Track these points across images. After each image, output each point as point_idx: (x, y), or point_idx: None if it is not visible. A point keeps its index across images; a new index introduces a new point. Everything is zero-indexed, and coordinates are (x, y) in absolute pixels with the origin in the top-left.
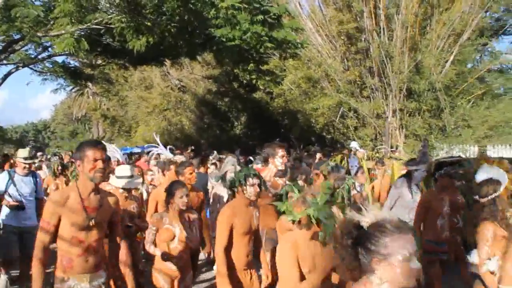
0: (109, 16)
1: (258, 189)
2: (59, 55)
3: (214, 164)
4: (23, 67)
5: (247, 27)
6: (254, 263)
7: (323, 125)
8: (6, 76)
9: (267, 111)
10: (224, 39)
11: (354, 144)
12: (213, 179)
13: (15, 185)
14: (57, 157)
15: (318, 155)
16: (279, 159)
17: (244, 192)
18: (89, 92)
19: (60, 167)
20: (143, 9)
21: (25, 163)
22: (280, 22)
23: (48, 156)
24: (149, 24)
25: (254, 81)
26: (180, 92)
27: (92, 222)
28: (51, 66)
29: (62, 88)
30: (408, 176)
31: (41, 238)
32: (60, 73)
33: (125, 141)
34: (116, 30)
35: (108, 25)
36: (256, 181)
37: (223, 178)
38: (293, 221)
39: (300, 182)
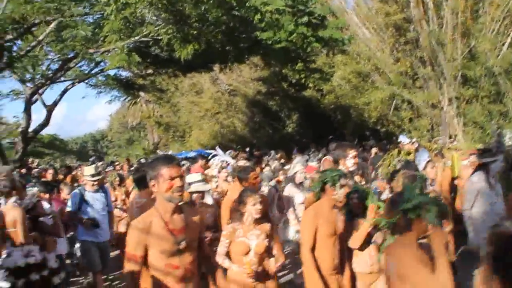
0: (155, 29)
1: (347, 190)
2: (111, 68)
3: (268, 165)
4: (78, 82)
5: (292, 29)
6: (340, 268)
7: (376, 119)
8: (63, 92)
9: (318, 108)
10: (270, 42)
11: (402, 138)
12: (265, 181)
13: (87, 203)
14: (113, 167)
15: (374, 150)
16: (350, 160)
17: (334, 193)
18: (142, 101)
19: (118, 179)
20: (188, 18)
21: (92, 181)
22: (324, 22)
23: (101, 163)
24: (194, 32)
25: (303, 80)
26: (231, 96)
27: (182, 245)
28: (104, 79)
29: (116, 99)
30: (483, 169)
31: (130, 268)
32: (113, 85)
33: (180, 146)
34: (163, 41)
35: (156, 37)
36: (346, 182)
37: (292, 179)
38: (392, 230)
39: (357, 178)
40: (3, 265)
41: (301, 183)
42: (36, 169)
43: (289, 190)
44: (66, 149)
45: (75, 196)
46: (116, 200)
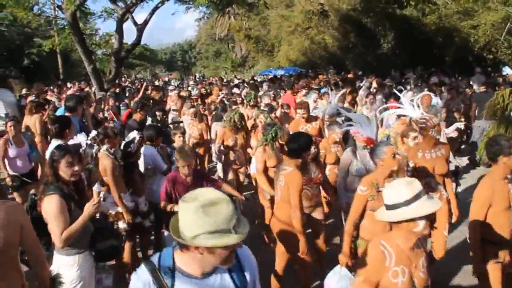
0: None
1: None
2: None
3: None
4: (167, 0)
5: None
6: None
7: (484, 45)
8: (153, 11)
9: (418, 29)
10: None
11: (507, 70)
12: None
13: None
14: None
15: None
16: None
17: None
18: (230, 12)
19: (240, 120)
20: None
21: None
22: None
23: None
24: None
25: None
26: (322, 14)
27: None
28: None
29: (205, 16)
30: None
31: None
32: (202, 1)
33: (269, 61)
34: None
35: None
36: None
37: None
38: None
39: (456, 115)
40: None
41: None
42: (129, 88)
43: None
44: (156, 59)
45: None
46: (234, 146)
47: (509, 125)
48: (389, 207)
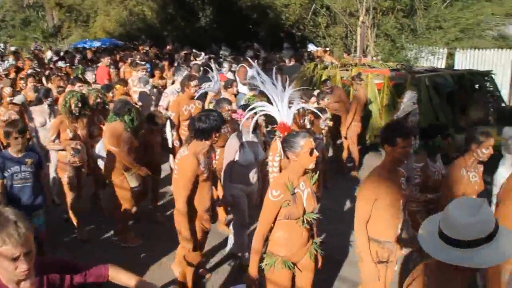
0: None
1: None
2: None
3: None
4: None
5: None
6: None
7: (293, 22)
8: None
9: (235, 5)
10: None
11: (311, 46)
12: None
13: None
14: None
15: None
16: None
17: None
18: None
19: (78, 104)
20: None
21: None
22: None
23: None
24: None
25: None
26: None
27: None
28: None
29: None
30: None
31: None
32: None
33: (83, 32)
34: None
35: None
36: None
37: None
38: None
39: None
40: None
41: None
42: None
43: None
44: None
45: None
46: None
47: None
48: (464, 244)
